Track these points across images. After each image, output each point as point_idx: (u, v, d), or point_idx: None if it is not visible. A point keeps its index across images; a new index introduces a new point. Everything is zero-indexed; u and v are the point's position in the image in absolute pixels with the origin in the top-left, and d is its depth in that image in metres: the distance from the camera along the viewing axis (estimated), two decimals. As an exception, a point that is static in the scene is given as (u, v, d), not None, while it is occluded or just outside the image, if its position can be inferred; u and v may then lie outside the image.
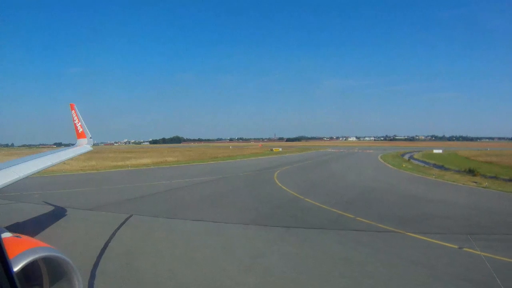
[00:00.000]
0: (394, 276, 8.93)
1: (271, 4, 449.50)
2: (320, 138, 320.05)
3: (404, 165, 44.26)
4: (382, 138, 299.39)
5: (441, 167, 46.25)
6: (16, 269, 2.29)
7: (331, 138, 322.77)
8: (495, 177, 32.85)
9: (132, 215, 16.05)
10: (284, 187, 24.76)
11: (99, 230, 13.49)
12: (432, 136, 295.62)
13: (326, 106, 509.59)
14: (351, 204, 18.73)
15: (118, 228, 13.67)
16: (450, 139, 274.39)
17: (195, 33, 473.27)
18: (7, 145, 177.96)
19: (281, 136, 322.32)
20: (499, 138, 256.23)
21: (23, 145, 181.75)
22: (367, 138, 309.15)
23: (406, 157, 66.14)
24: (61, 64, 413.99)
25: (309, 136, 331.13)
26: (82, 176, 35.16)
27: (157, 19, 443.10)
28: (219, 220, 14.99)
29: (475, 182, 27.91)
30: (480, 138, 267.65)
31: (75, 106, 16.56)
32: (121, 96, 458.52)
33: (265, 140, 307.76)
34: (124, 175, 36.57)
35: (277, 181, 28.48)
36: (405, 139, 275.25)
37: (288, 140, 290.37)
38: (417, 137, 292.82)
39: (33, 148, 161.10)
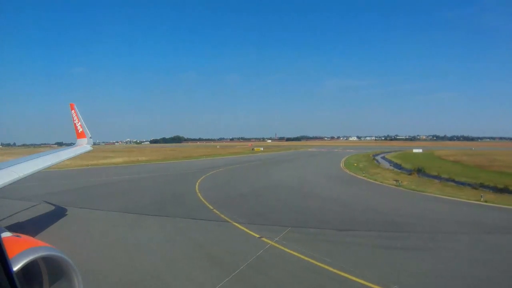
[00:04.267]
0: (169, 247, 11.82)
1: (271, 4, 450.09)
2: (321, 138, 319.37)
3: (355, 165, 45.00)
4: (383, 138, 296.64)
5: (398, 167, 46.87)
6: (16, 268, 2.25)
7: (332, 138, 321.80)
8: (436, 176, 33.68)
9: (40, 203, 19.61)
10: (196, 185, 26.85)
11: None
12: (433, 136, 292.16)
13: (328, 106, 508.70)
14: (231, 199, 21.02)
15: (18, 212, 17.04)
16: (452, 139, 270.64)
17: (197, 33, 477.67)
18: (9, 145, 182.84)
19: (282, 136, 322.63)
20: (501, 138, 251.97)
21: (23, 145, 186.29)
22: (368, 138, 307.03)
23: (379, 156, 66.48)
24: (63, 64, 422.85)
25: (310, 135, 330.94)
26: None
27: (159, 19, 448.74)
28: (103, 208, 18.37)
29: (396, 181, 28.68)
30: (481, 138, 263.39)
31: (75, 106, 16.58)
32: (123, 96, 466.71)
33: (266, 139, 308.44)
34: (78, 172, 38.67)
35: (198, 180, 30.27)
36: (406, 139, 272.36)
37: (288, 139, 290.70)
38: (418, 137, 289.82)
39: (31, 147, 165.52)
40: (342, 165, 44.43)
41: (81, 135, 16.16)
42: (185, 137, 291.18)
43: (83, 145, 15.64)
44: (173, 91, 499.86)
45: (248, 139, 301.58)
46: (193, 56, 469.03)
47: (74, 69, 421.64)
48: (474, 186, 27.13)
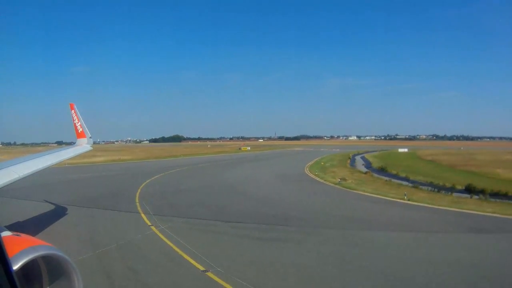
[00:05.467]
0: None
1: (271, 3, 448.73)
2: (321, 137, 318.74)
3: (322, 163, 45.71)
4: (382, 138, 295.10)
5: (368, 165, 47.47)
6: (15, 267, 2.26)
7: (332, 137, 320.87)
8: (393, 175, 34.30)
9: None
10: (144, 183, 28.24)
11: None
12: (433, 136, 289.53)
13: (328, 105, 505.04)
14: (162, 195, 22.41)
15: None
16: (451, 138, 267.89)
17: (196, 32, 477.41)
18: (9, 144, 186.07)
19: (282, 135, 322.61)
20: (501, 138, 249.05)
21: (22, 144, 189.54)
22: (367, 137, 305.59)
23: (359, 156, 66.83)
24: (63, 63, 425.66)
25: (310, 135, 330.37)
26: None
27: (157, 18, 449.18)
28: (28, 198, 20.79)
29: (341, 179, 29.35)
30: (481, 138, 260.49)
31: (74, 106, 16.63)
32: (124, 95, 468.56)
33: (265, 139, 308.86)
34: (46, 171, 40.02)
35: (152, 178, 31.61)
36: (406, 139, 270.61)
37: (287, 139, 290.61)
38: (418, 137, 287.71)
39: (29, 146, 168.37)
40: (307, 164, 45.00)
41: (81, 135, 16.28)
42: (185, 136, 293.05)
43: (83, 145, 15.80)
44: (173, 91, 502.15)
45: (248, 138, 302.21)
46: (194, 55, 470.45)
47: (74, 68, 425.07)
48: (415, 185, 27.64)
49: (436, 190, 25.20)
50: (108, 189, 25.36)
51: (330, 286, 8.73)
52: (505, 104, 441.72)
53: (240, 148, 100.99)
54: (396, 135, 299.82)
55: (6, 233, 3.01)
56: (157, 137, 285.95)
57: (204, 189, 24.95)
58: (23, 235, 3.02)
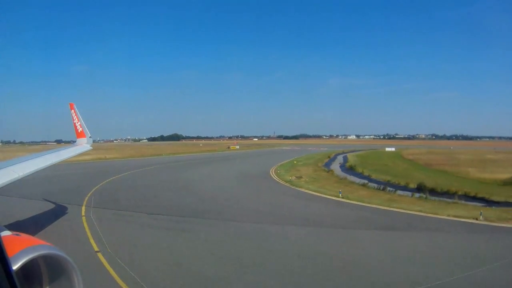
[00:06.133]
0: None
1: (270, 2, 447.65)
2: (320, 136, 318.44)
3: (295, 162, 46.12)
4: (382, 137, 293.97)
5: (342, 165, 47.72)
6: (15, 267, 2.26)
7: (331, 136, 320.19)
8: (358, 174, 34.63)
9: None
10: (108, 179, 29.20)
11: None
12: (432, 135, 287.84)
13: (328, 104, 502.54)
14: (115, 191, 23.68)
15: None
16: (450, 138, 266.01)
17: (195, 32, 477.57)
18: (8, 142, 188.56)
19: (281, 134, 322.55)
20: (500, 138, 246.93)
21: (20, 142, 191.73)
22: (367, 137, 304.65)
23: (341, 155, 66.97)
24: (62, 62, 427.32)
25: (310, 134, 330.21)
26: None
27: (156, 17, 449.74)
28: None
29: (298, 177, 29.78)
30: (480, 137, 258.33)
31: (74, 106, 16.70)
32: (123, 94, 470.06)
33: (265, 137, 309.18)
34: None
35: (118, 175, 32.47)
36: (405, 138, 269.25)
37: (286, 138, 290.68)
38: (417, 136, 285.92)
39: (26, 145, 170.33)
40: (279, 163, 45.27)
41: (80, 134, 16.40)
42: (184, 135, 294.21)
43: (83, 145, 15.94)
44: (173, 90, 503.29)
45: (247, 137, 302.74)
46: (194, 55, 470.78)
47: (74, 67, 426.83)
48: (369, 183, 28.01)
49: (382, 188, 25.54)
50: (71, 185, 26.44)
51: (188, 267, 9.91)
52: (505, 104, 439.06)
53: (229, 147, 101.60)
54: (396, 134, 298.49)
55: (6, 233, 3.01)
56: (156, 136, 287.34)
57: (157, 186, 25.84)
58: (23, 234, 2.99)
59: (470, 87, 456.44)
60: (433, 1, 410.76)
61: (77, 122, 16.50)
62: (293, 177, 30.02)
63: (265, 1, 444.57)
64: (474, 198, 23.40)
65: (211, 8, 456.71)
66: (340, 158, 60.14)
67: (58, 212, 16.71)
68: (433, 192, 25.60)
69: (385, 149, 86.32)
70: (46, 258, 2.64)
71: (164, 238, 12.87)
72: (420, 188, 26.45)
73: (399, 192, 24.22)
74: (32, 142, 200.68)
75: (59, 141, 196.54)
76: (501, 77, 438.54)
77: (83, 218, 15.49)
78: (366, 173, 36.64)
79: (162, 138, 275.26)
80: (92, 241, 12.07)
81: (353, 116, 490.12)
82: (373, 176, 34.43)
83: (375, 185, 27.16)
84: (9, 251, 2.19)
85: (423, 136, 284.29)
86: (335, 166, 45.36)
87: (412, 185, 27.83)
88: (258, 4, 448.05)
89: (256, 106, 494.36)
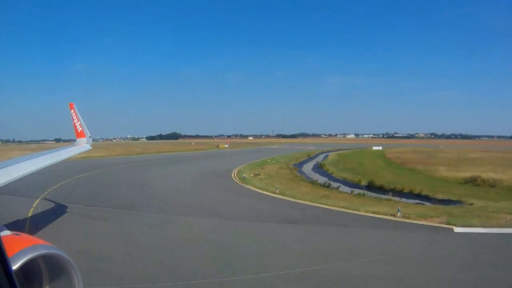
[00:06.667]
0: None
1: (270, 3, 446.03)
2: (319, 135, 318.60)
3: (269, 160, 46.58)
4: (380, 136, 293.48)
5: (316, 165, 48.17)
6: (15, 267, 2.25)
7: (330, 135, 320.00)
8: (323, 172, 35.09)
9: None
10: (75, 176, 30.03)
11: None
12: (431, 134, 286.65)
13: (327, 103, 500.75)
14: (74, 187, 25.01)
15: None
16: (450, 137, 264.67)
17: (196, 31, 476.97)
18: (8, 141, 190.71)
19: (280, 133, 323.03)
20: (499, 137, 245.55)
21: (19, 141, 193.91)
22: (366, 135, 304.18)
23: (323, 154, 67.36)
24: (62, 60, 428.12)
25: (310, 133, 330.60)
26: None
27: (156, 17, 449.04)
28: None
29: (256, 175, 30.38)
30: (479, 137, 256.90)
31: (74, 106, 16.76)
32: (123, 93, 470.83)
33: (263, 136, 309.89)
34: None
35: (85, 173, 33.35)
36: (404, 137, 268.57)
37: (284, 137, 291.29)
38: (416, 135, 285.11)
39: (23, 144, 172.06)
40: (250, 162, 45.27)
41: (80, 134, 16.49)
42: (183, 134, 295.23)
43: (83, 145, 16.10)
44: (173, 89, 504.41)
45: (246, 136, 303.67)
46: (194, 54, 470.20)
47: (74, 66, 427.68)
48: (314, 181, 28.53)
49: (327, 185, 26.07)
50: (41, 180, 26.71)
51: (80, 245, 11.10)
52: (504, 103, 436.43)
53: (218, 146, 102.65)
54: (395, 133, 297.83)
55: (6, 233, 3.01)
56: (154, 135, 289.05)
57: (115, 183, 26.84)
58: (23, 234, 3.03)
59: (469, 86, 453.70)
60: (432, 1, 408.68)
61: (77, 122, 16.57)
62: (251, 175, 30.57)
63: (265, 1, 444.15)
64: (418, 196, 23.81)
65: (210, 7, 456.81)
66: (320, 157, 60.52)
67: (16, 203, 18.41)
68: (380, 189, 26.11)
69: (372, 148, 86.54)
70: (46, 258, 2.64)
71: (82, 223, 14.58)
72: (369, 186, 26.97)
73: (342, 189, 24.71)
74: (31, 141, 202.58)
75: (58, 140, 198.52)
76: (501, 77, 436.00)
77: (32, 208, 17.03)
78: (331, 171, 37.15)
79: (160, 137, 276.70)
80: (27, 225, 13.75)
81: (352, 115, 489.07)
82: (336, 174, 34.89)
83: (328, 182, 27.67)
84: (9, 251, 2.20)
85: (422, 135, 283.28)
86: (307, 165, 45.83)
87: (364, 183, 28.31)
88: (257, 3, 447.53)
89: (256, 105, 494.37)
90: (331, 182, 27.76)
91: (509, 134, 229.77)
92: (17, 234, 2.98)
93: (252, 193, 21.92)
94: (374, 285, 8.67)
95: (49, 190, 22.53)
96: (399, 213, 15.66)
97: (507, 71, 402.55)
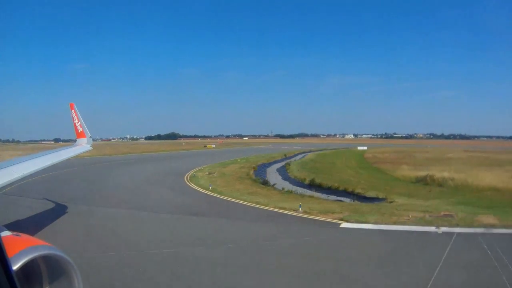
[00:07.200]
0: None
1: (269, 3, 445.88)
2: (318, 135, 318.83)
3: (238, 160, 47.59)
4: (379, 136, 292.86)
5: (283, 167, 49.04)
6: (15, 267, 2.26)
7: (329, 135, 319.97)
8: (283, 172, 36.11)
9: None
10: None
11: None
12: (430, 134, 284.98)
13: (327, 103, 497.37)
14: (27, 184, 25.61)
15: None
16: (448, 137, 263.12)
17: (195, 31, 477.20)
18: (7, 141, 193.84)
19: (279, 133, 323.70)
20: (498, 137, 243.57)
21: (17, 141, 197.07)
22: (364, 136, 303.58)
23: (301, 155, 68.04)
24: (61, 60, 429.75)
25: (309, 133, 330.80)
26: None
27: (155, 17, 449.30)
28: None
29: (209, 173, 31.41)
30: (478, 137, 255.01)
31: (74, 106, 16.74)
32: (122, 93, 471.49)
33: (262, 136, 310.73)
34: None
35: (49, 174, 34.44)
36: (403, 137, 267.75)
37: (282, 137, 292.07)
38: (415, 135, 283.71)
39: (20, 143, 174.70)
40: (219, 161, 46.07)
41: (81, 134, 16.45)
42: (181, 134, 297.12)
43: (83, 145, 16.09)
44: (172, 89, 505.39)
45: (244, 136, 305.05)
46: (193, 54, 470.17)
47: (73, 65, 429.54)
48: (255, 180, 29.68)
49: (264, 183, 27.42)
50: None
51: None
52: (503, 103, 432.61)
53: (205, 146, 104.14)
54: (394, 133, 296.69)
55: (6, 233, 3.03)
56: (153, 135, 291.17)
57: (74, 180, 29.03)
58: (23, 235, 3.02)
59: (469, 87, 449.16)
60: (431, 2, 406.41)
61: (77, 122, 16.55)
62: (206, 173, 31.79)
63: (264, 1, 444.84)
64: (349, 193, 24.73)
65: (209, 7, 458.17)
66: (297, 157, 61.36)
67: None
68: (318, 187, 27.15)
69: (357, 148, 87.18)
70: (46, 258, 2.65)
71: (11, 210, 16.36)
72: (310, 184, 28.00)
73: (277, 187, 25.78)
74: (30, 141, 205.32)
75: (57, 140, 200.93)
76: (500, 77, 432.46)
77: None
78: (290, 171, 38.01)
79: (159, 137, 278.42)
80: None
81: (351, 115, 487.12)
82: (292, 174, 35.73)
83: (268, 181, 28.79)
84: (9, 251, 2.19)
85: (421, 135, 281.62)
86: (276, 165, 46.78)
87: (307, 181, 29.34)
88: (256, 3, 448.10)
89: (255, 105, 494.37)
90: (275, 181, 28.80)
91: (508, 135, 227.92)
92: (17, 235, 3.00)
93: (187, 190, 23.17)
94: (206, 266, 9.73)
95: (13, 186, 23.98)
96: (300, 209, 16.63)
97: (507, 71, 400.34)
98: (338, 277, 9.07)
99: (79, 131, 16.43)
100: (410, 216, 15.07)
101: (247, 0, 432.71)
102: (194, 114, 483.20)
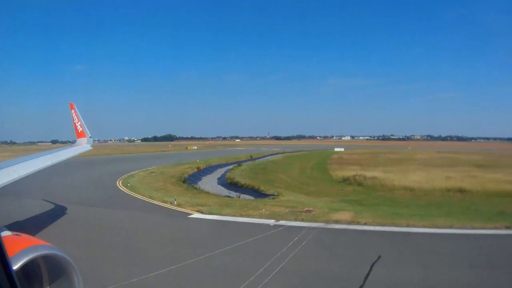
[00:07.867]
0: None
1: (269, 4, 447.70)
2: (315, 137, 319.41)
3: (198, 161, 49.48)
4: (376, 138, 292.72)
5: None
6: (15, 267, 2.25)
7: (326, 137, 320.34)
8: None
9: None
10: None
11: None
12: (428, 136, 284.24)
13: (324, 105, 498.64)
14: None
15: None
16: (445, 139, 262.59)
17: (194, 33, 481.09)
18: (6, 142, 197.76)
19: (276, 135, 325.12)
20: (495, 139, 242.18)
21: (14, 143, 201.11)
22: (361, 137, 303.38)
23: (275, 155, 69.77)
24: (61, 61, 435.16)
25: (306, 135, 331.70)
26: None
27: (154, 19, 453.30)
28: None
29: (150, 173, 33.47)
30: (475, 138, 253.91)
31: (74, 106, 16.72)
32: (121, 94, 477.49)
33: (258, 138, 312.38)
34: None
35: None
36: (400, 139, 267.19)
37: (278, 139, 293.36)
38: (413, 137, 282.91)
39: (16, 145, 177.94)
40: (174, 162, 47.74)
41: (81, 134, 16.48)
42: (178, 135, 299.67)
43: (83, 145, 16.13)
44: (171, 90, 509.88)
45: (241, 138, 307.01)
46: (192, 56, 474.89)
47: (73, 67, 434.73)
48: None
49: (184, 182, 29.87)
50: None
51: None
52: (501, 105, 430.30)
53: (187, 148, 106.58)
54: (391, 135, 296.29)
55: (6, 233, 3.02)
56: (149, 136, 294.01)
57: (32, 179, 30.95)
58: (23, 234, 3.02)
59: (467, 88, 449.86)
60: (430, 3, 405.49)
61: (77, 122, 16.59)
62: (147, 173, 34.32)
63: (263, 2, 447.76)
64: (256, 191, 26.65)
65: (209, 9, 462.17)
66: (263, 158, 62.66)
67: None
68: (235, 186, 29.23)
69: (334, 149, 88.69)
70: (46, 258, 2.66)
71: None
72: (231, 184, 30.36)
73: (198, 185, 27.97)
74: (28, 142, 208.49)
75: (54, 142, 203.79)
76: (498, 79, 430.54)
77: None
78: (231, 172, 39.35)
79: (155, 139, 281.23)
80: None
81: (349, 117, 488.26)
82: (228, 175, 36.41)
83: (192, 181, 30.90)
84: (9, 251, 2.20)
85: (419, 137, 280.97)
86: (232, 166, 47.80)
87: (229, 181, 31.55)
88: (255, 5, 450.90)
89: (253, 107, 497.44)
90: (207, 181, 30.87)
91: (506, 136, 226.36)
92: (17, 235, 2.99)
93: (109, 187, 25.53)
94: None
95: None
96: (175, 202, 18.83)
97: (505, 73, 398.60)
98: (123, 247, 11.48)
99: (79, 131, 16.53)
100: (264, 211, 16.47)
101: (246, 3, 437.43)
102: (191, 116, 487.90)
